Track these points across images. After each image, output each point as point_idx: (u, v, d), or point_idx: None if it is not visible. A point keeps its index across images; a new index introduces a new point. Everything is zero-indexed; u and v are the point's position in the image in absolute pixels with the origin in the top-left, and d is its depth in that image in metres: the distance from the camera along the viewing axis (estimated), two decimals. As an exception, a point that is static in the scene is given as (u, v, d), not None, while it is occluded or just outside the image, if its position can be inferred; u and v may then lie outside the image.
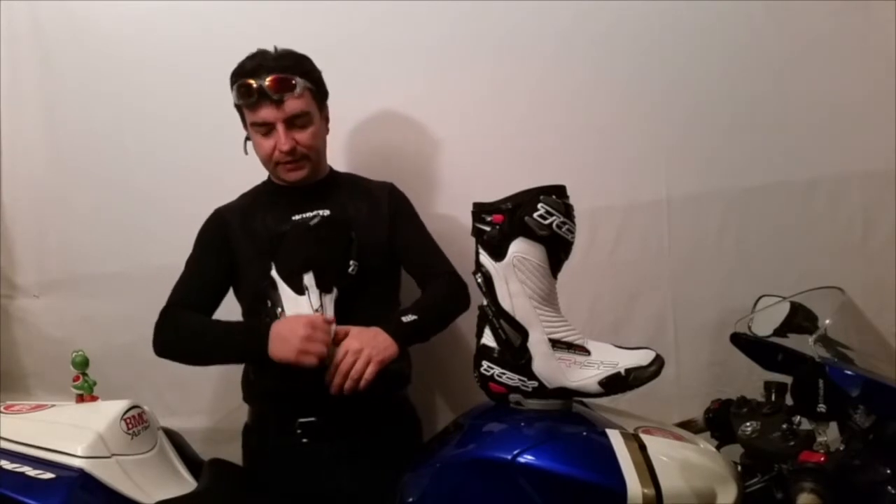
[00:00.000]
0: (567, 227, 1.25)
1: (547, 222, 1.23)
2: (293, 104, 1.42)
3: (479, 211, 1.28)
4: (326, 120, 1.54)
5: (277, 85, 1.40)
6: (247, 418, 1.56)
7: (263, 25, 1.63)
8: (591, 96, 1.83)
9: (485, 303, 1.32)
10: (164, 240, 1.59)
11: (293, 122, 1.44)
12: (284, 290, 1.41)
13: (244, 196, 1.58)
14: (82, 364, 1.41)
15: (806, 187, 1.81)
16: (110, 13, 1.84)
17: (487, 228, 1.26)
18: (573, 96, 1.83)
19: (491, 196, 1.28)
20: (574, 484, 1.16)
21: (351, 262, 1.44)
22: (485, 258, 1.29)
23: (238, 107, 1.47)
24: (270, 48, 1.45)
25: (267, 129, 1.44)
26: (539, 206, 1.23)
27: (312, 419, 1.44)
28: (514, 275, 1.26)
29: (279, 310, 1.40)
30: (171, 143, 1.85)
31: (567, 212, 1.25)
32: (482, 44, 1.82)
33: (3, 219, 1.92)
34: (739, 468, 1.26)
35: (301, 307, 1.39)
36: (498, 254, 1.26)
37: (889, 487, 1.10)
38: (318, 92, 1.49)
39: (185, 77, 1.83)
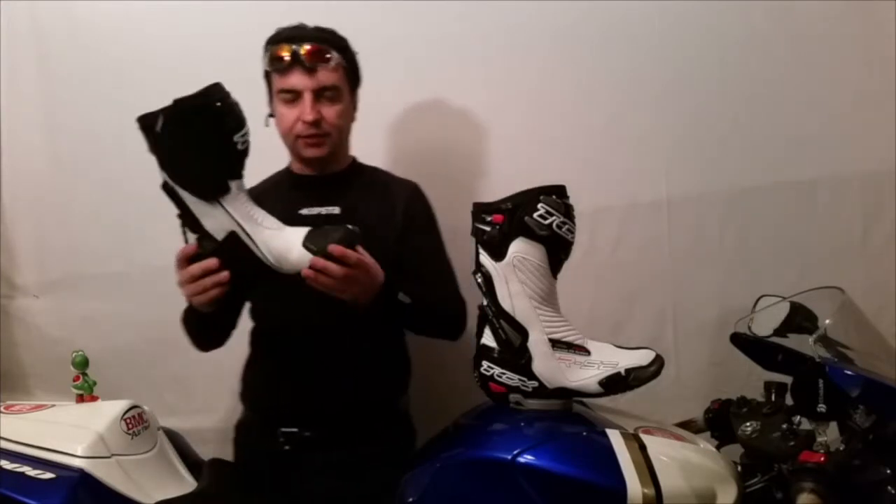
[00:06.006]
0: (567, 227, 1.25)
1: (547, 222, 1.23)
2: (325, 75, 1.37)
3: (479, 211, 1.28)
4: (355, 107, 1.49)
5: (313, 53, 1.36)
6: (240, 415, 1.54)
7: (264, 25, 1.62)
8: (591, 96, 1.83)
9: (485, 303, 1.32)
10: (165, 240, 1.57)
11: (322, 94, 1.38)
12: None
13: (264, 181, 1.53)
14: (82, 364, 1.41)
15: (806, 187, 1.81)
16: (110, 13, 1.84)
17: (487, 228, 1.26)
18: (573, 96, 1.83)
19: (491, 196, 1.28)
20: (574, 484, 1.16)
21: None
22: (485, 258, 1.29)
23: (267, 74, 1.43)
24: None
25: (293, 97, 1.38)
26: (539, 206, 1.23)
27: (294, 430, 1.40)
28: (514, 275, 1.26)
29: None
30: (171, 143, 1.85)
31: (567, 212, 1.25)
32: (481, 43, 1.82)
33: (3, 219, 1.91)
34: (739, 468, 1.26)
35: None
36: (498, 254, 1.26)
37: (889, 487, 1.11)
38: (352, 73, 1.45)
39: (186, 77, 1.80)
